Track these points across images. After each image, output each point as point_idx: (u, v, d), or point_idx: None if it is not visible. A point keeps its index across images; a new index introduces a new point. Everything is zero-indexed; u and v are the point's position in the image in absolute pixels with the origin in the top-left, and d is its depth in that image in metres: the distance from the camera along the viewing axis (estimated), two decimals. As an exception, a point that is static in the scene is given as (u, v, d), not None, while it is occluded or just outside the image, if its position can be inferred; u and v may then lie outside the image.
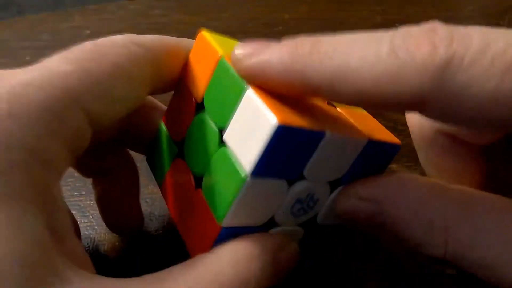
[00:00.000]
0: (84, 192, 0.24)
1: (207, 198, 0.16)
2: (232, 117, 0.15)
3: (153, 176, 0.19)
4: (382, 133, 0.17)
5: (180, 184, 0.17)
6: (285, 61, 0.13)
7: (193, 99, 0.17)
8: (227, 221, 0.15)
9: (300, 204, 0.16)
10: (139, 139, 0.20)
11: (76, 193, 0.24)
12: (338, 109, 0.17)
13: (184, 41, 0.18)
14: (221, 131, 0.15)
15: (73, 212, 0.22)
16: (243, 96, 0.14)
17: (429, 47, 0.12)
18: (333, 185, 0.17)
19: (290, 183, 0.15)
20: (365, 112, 0.19)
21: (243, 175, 0.14)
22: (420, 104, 0.12)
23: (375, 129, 0.17)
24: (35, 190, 0.12)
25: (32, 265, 0.11)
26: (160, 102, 0.20)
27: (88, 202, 0.23)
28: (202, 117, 0.16)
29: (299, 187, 0.15)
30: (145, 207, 0.22)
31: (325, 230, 0.18)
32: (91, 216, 0.23)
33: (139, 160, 0.21)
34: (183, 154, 0.17)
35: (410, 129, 0.19)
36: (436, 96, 0.12)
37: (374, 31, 0.13)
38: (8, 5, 1.27)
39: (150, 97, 0.20)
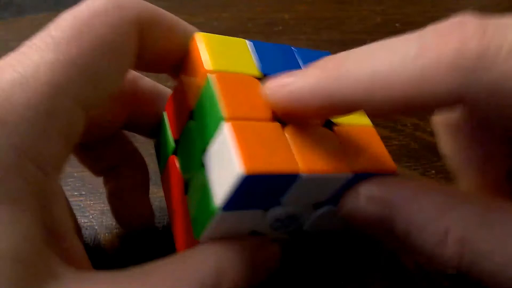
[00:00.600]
0: (84, 192, 0.24)
1: (189, 209, 0.16)
2: (211, 144, 0.14)
3: (152, 176, 0.19)
4: (377, 159, 0.16)
5: (174, 182, 0.17)
6: (315, 84, 0.13)
7: (188, 103, 0.16)
8: (204, 239, 0.15)
9: (280, 222, 0.16)
10: (145, 125, 0.20)
11: (76, 193, 0.24)
12: (336, 128, 0.16)
13: (179, 21, 0.17)
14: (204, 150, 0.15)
15: (73, 212, 0.22)
16: (220, 129, 0.14)
17: (458, 43, 0.11)
18: (317, 205, 0.16)
19: (267, 208, 0.15)
20: (369, 128, 0.17)
21: (215, 206, 0.14)
22: (459, 102, 0.12)
23: (371, 154, 0.16)
24: (29, 191, 0.13)
25: (23, 261, 0.12)
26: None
27: (88, 202, 0.23)
28: (191, 126, 0.16)
29: (276, 211, 0.15)
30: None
31: (313, 235, 0.18)
32: (91, 216, 0.23)
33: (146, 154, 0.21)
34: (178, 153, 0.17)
35: (435, 116, 0.18)
36: (472, 92, 0.11)
37: (400, 35, 0.13)
38: (8, 5, 1.27)
39: (157, 84, 0.20)
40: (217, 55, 0.15)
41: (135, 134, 0.21)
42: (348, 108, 0.13)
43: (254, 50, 0.17)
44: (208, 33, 0.16)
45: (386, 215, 0.14)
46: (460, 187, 0.18)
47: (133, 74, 0.19)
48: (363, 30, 0.45)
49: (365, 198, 0.15)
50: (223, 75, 0.15)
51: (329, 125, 0.16)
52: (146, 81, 0.20)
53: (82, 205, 0.23)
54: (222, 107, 0.14)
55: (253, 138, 0.13)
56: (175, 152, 0.18)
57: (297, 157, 0.14)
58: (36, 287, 0.12)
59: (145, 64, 0.17)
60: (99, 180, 0.21)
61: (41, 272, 0.12)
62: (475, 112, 0.12)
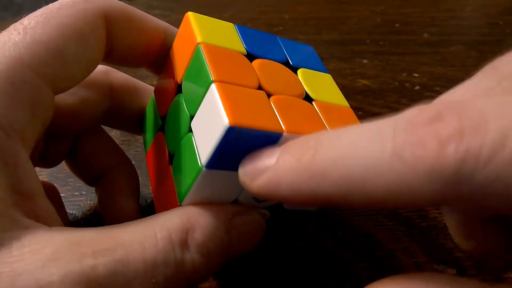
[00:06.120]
0: (84, 192, 0.24)
1: (174, 176, 0.16)
2: (199, 107, 0.15)
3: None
4: None
5: (158, 156, 0.18)
6: (290, 180, 0.12)
7: (175, 79, 0.17)
8: (187, 202, 0.15)
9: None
10: (125, 119, 0.21)
11: (76, 193, 0.24)
12: (315, 103, 0.17)
13: (150, 17, 0.18)
14: (192, 117, 0.16)
15: (73, 212, 0.22)
16: (208, 89, 0.14)
17: (436, 146, 0.10)
18: None
19: None
20: (346, 108, 0.18)
21: (199, 165, 0.14)
22: (441, 203, 0.11)
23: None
24: None
25: None
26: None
27: (88, 202, 0.23)
28: (179, 99, 0.17)
29: None
30: (144, 207, 0.22)
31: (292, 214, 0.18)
32: (91, 216, 0.23)
33: (139, 159, 0.21)
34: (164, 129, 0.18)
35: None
36: (456, 197, 0.10)
37: (376, 120, 0.12)
38: (8, 5, 1.27)
39: (133, 79, 0.21)
40: (207, 31, 0.16)
41: (130, 140, 0.21)
42: (327, 203, 0.12)
43: (240, 34, 0.18)
44: (199, 14, 0.17)
45: None
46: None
47: (106, 68, 0.20)
48: (363, 30, 0.45)
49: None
50: (212, 47, 0.16)
51: (309, 99, 0.17)
52: (120, 75, 0.20)
53: (82, 205, 0.23)
54: (211, 71, 0.15)
55: (240, 99, 0.14)
56: (162, 129, 0.18)
57: (281, 119, 0.14)
58: (3, 235, 0.12)
59: (119, 57, 0.18)
60: (99, 180, 0.21)
61: (7, 222, 0.12)
62: (463, 211, 0.12)
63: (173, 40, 0.18)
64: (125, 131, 0.22)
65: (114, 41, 0.17)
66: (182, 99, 0.16)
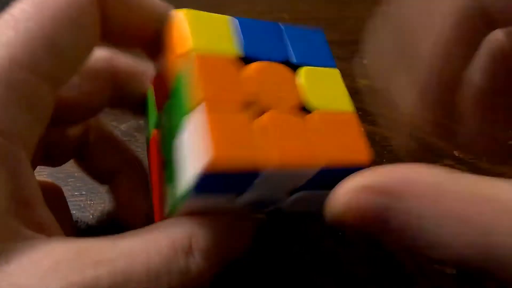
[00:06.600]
0: (84, 192, 0.24)
1: (165, 185, 0.16)
2: (184, 125, 0.14)
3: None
4: (350, 149, 0.15)
5: (154, 157, 0.18)
6: None
7: (168, 81, 0.16)
8: (176, 215, 0.15)
9: (254, 205, 0.16)
10: (130, 102, 0.20)
11: (76, 193, 0.24)
12: (309, 116, 0.15)
13: None
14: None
15: (73, 212, 0.22)
16: (195, 110, 0.13)
17: None
18: (292, 192, 0.15)
19: (238, 194, 0.15)
20: (348, 115, 0.16)
21: (182, 189, 0.14)
22: None
23: (344, 145, 0.15)
24: None
25: None
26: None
27: (88, 202, 0.23)
28: (170, 104, 0.16)
29: (248, 196, 0.15)
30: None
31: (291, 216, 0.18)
32: (91, 216, 0.23)
33: (140, 159, 0.21)
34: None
35: None
36: None
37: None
38: (8, 5, 1.27)
39: (138, 62, 0.20)
40: (199, 34, 0.15)
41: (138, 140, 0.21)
42: None
43: (238, 28, 0.16)
44: (188, 9, 0.15)
45: (382, 205, 0.12)
46: None
47: (109, 54, 0.19)
48: (363, 30, 0.45)
49: (357, 188, 0.13)
50: (201, 59, 0.14)
51: (304, 110, 0.15)
52: (124, 60, 0.20)
53: (82, 205, 0.23)
54: (193, 95, 0.13)
55: (221, 130, 0.13)
56: (158, 126, 0.17)
57: (262, 151, 0.13)
58: (2, 245, 0.12)
59: (114, 39, 0.17)
60: (99, 180, 0.21)
61: (5, 235, 0.12)
62: None
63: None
64: (131, 114, 0.21)
65: (109, 22, 0.16)
66: (172, 107, 0.15)
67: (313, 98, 0.15)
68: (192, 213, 0.15)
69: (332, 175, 0.14)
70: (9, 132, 0.13)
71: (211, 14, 0.16)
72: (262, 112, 0.14)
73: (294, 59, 0.16)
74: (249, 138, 0.13)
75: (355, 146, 0.15)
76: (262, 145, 0.13)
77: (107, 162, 0.21)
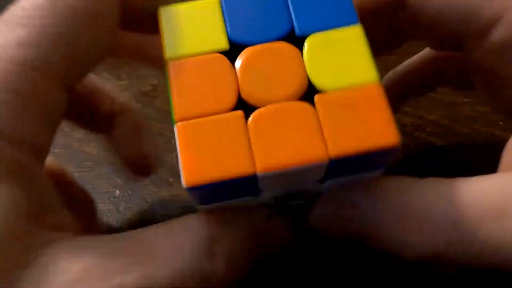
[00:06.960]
0: (84, 192, 0.24)
1: None
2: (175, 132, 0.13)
3: (152, 177, 0.19)
4: (374, 133, 0.12)
5: None
6: None
7: None
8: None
9: (280, 200, 0.15)
10: (142, 22, 0.18)
11: (76, 193, 0.24)
12: (318, 99, 0.13)
13: None
14: None
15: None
16: (175, 126, 0.13)
17: None
18: (322, 180, 0.14)
19: (254, 195, 0.14)
20: (368, 90, 0.13)
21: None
22: None
23: (360, 128, 0.13)
24: (9, 170, 0.12)
25: (10, 233, 0.12)
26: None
27: (88, 202, 0.23)
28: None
29: (268, 195, 0.14)
30: (145, 207, 0.22)
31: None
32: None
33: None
34: None
35: None
36: None
37: None
38: (8, 5, 1.26)
39: None
40: (172, 37, 0.14)
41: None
42: None
43: (227, 12, 0.14)
44: (168, 6, 0.14)
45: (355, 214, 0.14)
46: None
47: None
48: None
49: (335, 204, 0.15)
50: (180, 62, 0.13)
51: (312, 92, 0.13)
52: None
53: (82, 205, 0.23)
54: (174, 106, 0.13)
55: (202, 141, 0.12)
56: None
57: (256, 153, 0.12)
58: (29, 254, 0.12)
59: (131, 26, 0.16)
60: (100, 180, 0.21)
61: (29, 244, 0.12)
62: None
63: None
64: (142, 32, 0.18)
65: (127, 8, 0.15)
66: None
67: (320, 77, 0.13)
68: (215, 211, 0.14)
69: (357, 161, 0.13)
70: (21, 140, 0.13)
71: (197, 2, 0.14)
72: (256, 109, 0.13)
73: (297, 30, 0.14)
74: (229, 146, 0.12)
75: (383, 127, 0.12)
76: (255, 146, 0.12)
77: (103, 108, 0.20)
